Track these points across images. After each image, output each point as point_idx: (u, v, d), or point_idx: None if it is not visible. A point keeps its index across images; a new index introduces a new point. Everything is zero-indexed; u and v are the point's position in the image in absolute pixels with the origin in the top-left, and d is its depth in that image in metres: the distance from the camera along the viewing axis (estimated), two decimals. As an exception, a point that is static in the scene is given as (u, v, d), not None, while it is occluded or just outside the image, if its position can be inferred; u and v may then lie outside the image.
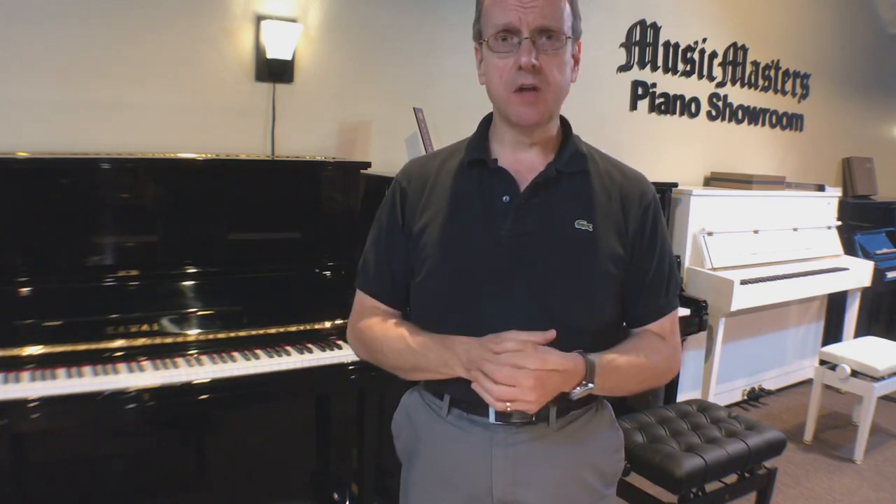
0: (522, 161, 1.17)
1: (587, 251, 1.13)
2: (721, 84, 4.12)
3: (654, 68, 3.75)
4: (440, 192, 1.18)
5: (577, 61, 1.16)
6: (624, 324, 1.24)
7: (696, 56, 3.93)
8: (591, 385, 1.07)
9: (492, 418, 1.14)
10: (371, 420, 2.21)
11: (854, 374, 3.27)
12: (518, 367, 1.01)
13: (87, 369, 1.80)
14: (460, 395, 1.15)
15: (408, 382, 1.27)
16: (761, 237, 3.63)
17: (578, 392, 1.08)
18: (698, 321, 3.16)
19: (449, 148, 1.26)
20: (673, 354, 1.22)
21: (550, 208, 1.14)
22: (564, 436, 1.16)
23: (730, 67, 4.14)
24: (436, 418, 1.20)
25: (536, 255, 1.11)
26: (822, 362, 3.42)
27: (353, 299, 1.29)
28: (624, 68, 3.63)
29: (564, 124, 1.22)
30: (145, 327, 1.97)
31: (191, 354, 1.96)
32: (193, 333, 2.02)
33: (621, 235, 1.15)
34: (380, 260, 1.23)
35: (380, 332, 1.20)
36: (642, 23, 3.65)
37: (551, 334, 1.05)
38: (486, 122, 1.23)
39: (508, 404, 1.02)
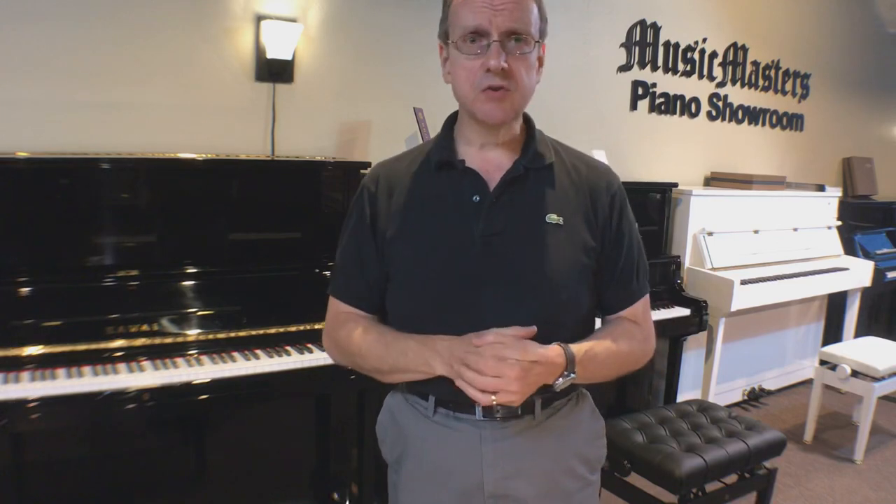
0: (490, 160, 1.18)
1: (560, 244, 1.14)
2: (721, 84, 4.12)
3: (654, 68, 3.75)
4: (410, 195, 1.18)
5: (541, 63, 1.17)
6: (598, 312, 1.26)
7: (696, 56, 3.93)
8: (572, 375, 1.09)
9: (479, 415, 1.15)
10: (371, 420, 2.20)
11: (854, 374, 3.27)
12: (502, 357, 1.02)
13: (87, 369, 1.80)
14: (446, 396, 1.15)
15: (391, 383, 1.26)
16: (761, 237, 3.63)
17: (561, 383, 1.09)
18: (698, 321, 3.16)
19: (415, 150, 1.26)
20: (647, 338, 1.25)
21: (521, 205, 1.15)
22: (550, 426, 1.18)
23: (730, 67, 4.14)
24: (422, 419, 1.20)
25: (511, 253, 1.13)
26: (823, 362, 3.42)
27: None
28: (624, 68, 3.63)
29: (528, 122, 1.23)
30: (145, 327, 1.97)
31: (191, 354, 1.96)
32: (193, 333, 2.02)
33: (591, 226, 1.17)
34: (352, 265, 1.22)
35: (357, 335, 1.19)
36: (642, 23, 3.65)
37: (532, 330, 1.07)
38: (451, 121, 1.24)
39: (493, 398, 1.03)
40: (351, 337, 1.20)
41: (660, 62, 3.76)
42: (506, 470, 1.15)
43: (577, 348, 1.11)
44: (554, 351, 1.08)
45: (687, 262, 3.45)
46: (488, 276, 1.12)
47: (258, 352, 2.01)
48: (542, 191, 1.17)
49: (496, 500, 1.16)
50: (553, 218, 1.15)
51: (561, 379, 1.09)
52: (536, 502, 1.17)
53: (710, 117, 4.10)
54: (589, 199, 1.19)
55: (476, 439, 1.16)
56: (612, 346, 1.18)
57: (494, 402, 1.04)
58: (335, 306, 1.25)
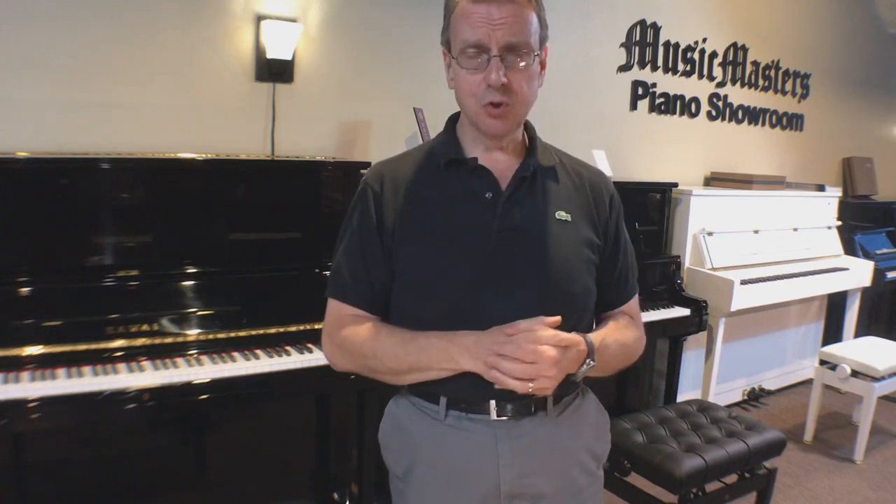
0: (497, 160, 1.20)
1: (570, 240, 1.18)
2: (721, 84, 4.12)
3: (654, 68, 3.75)
4: (419, 193, 1.18)
5: (543, 66, 1.18)
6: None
7: (696, 56, 3.93)
8: (593, 363, 1.13)
9: (493, 415, 1.14)
10: (371, 420, 2.21)
11: (854, 374, 3.27)
12: (537, 344, 1.04)
13: (87, 369, 1.80)
14: (458, 396, 1.15)
15: (399, 384, 1.24)
16: (761, 237, 3.63)
17: (583, 371, 1.13)
18: (698, 321, 3.16)
19: (414, 151, 1.27)
20: (642, 335, 1.31)
21: (532, 202, 1.18)
22: (562, 422, 1.20)
23: (730, 67, 4.14)
24: (433, 423, 1.18)
25: (527, 247, 1.15)
26: (822, 362, 3.42)
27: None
28: (624, 68, 3.63)
29: (528, 128, 1.26)
30: (145, 327, 1.97)
31: (191, 354, 1.96)
32: (193, 333, 2.02)
33: (594, 224, 1.22)
34: (356, 266, 1.19)
35: (369, 335, 1.16)
36: (642, 23, 3.65)
37: (557, 319, 1.09)
38: (453, 121, 1.25)
39: (530, 385, 1.04)
40: (360, 337, 1.17)
41: (660, 62, 3.76)
42: (522, 468, 1.15)
43: (594, 337, 1.15)
44: (578, 338, 1.11)
45: (687, 262, 3.45)
46: (504, 270, 1.13)
47: (258, 352, 2.01)
48: (549, 190, 1.20)
49: (512, 499, 1.16)
50: (562, 215, 1.18)
51: (584, 367, 1.12)
52: (552, 499, 1.17)
53: (710, 117, 4.10)
54: (591, 199, 1.23)
55: (492, 439, 1.15)
56: (620, 338, 1.23)
57: (531, 389, 1.05)
58: (338, 309, 1.21)
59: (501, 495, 1.15)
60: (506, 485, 1.15)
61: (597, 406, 1.29)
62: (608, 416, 1.32)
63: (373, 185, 1.20)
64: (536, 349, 1.03)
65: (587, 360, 1.12)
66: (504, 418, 1.15)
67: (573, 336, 1.09)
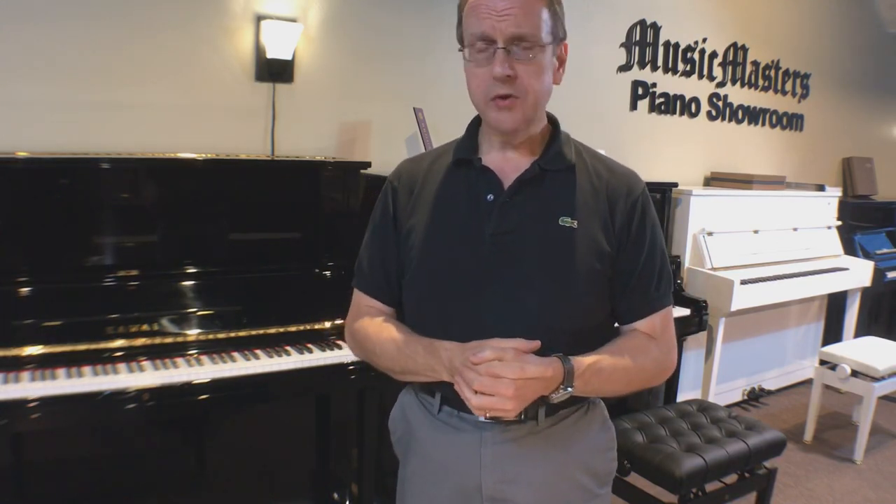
0: (509, 160, 1.18)
1: (570, 247, 1.12)
2: (721, 84, 4.11)
3: (654, 68, 3.75)
4: (428, 191, 1.20)
5: (562, 62, 1.16)
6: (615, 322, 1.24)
7: (696, 56, 3.93)
8: (569, 389, 1.07)
9: (481, 416, 1.14)
10: (371, 420, 2.21)
11: (854, 374, 3.27)
12: (497, 376, 1.01)
13: (87, 369, 1.80)
14: (451, 394, 1.15)
15: (404, 381, 1.28)
16: (761, 237, 3.63)
17: (558, 396, 1.08)
18: (698, 321, 3.16)
19: (440, 148, 1.27)
20: (665, 354, 1.20)
21: (534, 206, 1.14)
22: (553, 434, 1.17)
23: (730, 67, 4.14)
24: (428, 415, 1.22)
25: (520, 253, 1.12)
26: (823, 362, 3.42)
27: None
28: (624, 68, 3.63)
29: (553, 122, 1.22)
30: (145, 327, 1.97)
31: (191, 354, 1.96)
32: (193, 333, 2.02)
33: (607, 231, 1.15)
34: (374, 259, 1.25)
35: (373, 332, 1.21)
36: (642, 23, 3.65)
37: (535, 344, 1.06)
38: (477, 122, 1.24)
39: (486, 413, 1.05)
40: (367, 333, 1.22)
41: (660, 62, 3.76)
42: (504, 474, 1.15)
43: (579, 361, 1.08)
44: (552, 365, 1.05)
45: (687, 262, 3.45)
46: (493, 274, 1.12)
47: (258, 352, 2.01)
48: (558, 193, 1.15)
49: (494, 502, 1.16)
50: (566, 220, 1.13)
51: (557, 393, 1.07)
52: None
53: (710, 117, 4.10)
54: (607, 204, 1.16)
55: (476, 441, 1.16)
56: (621, 361, 1.13)
57: (487, 417, 1.06)
58: (357, 299, 1.28)
59: (483, 497, 1.16)
60: (487, 488, 1.16)
61: (602, 422, 1.25)
62: (614, 434, 1.27)
63: (392, 182, 1.25)
64: (494, 382, 1.00)
65: (561, 386, 1.06)
66: (491, 421, 1.14)
67: (542, 367, 1.03)
